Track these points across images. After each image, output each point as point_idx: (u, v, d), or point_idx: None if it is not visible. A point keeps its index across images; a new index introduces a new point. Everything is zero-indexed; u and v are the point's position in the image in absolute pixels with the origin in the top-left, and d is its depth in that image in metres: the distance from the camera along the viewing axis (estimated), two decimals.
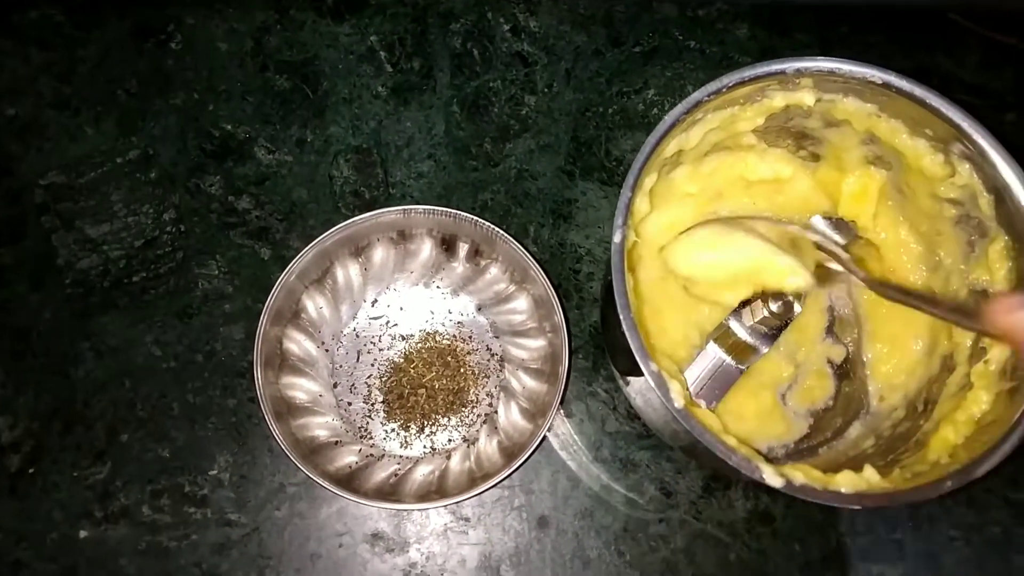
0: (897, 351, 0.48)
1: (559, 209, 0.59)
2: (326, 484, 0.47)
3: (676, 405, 0.35)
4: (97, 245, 0.57)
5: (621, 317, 0.36)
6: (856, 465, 0.37)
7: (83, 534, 0.51)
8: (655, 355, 0.37)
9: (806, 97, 0.44)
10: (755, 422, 0.46)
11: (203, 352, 0.55)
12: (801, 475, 0.35)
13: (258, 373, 0.49)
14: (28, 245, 0.56)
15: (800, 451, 0.47)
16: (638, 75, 0.62)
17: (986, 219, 0.43)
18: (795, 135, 0.49)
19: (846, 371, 0.50)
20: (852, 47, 0.63)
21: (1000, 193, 0.42)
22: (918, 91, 0.42)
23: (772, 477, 0.35)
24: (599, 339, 0.56)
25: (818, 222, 0.50)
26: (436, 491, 0.50)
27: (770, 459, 0.43)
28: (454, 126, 0.61)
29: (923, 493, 0.35)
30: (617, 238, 0.38)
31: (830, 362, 0.50)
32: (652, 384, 0.35)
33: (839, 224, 0.50)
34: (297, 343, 0.53)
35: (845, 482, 0.36)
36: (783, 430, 0.47)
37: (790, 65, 0.42)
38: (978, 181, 0.43)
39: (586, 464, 0.54)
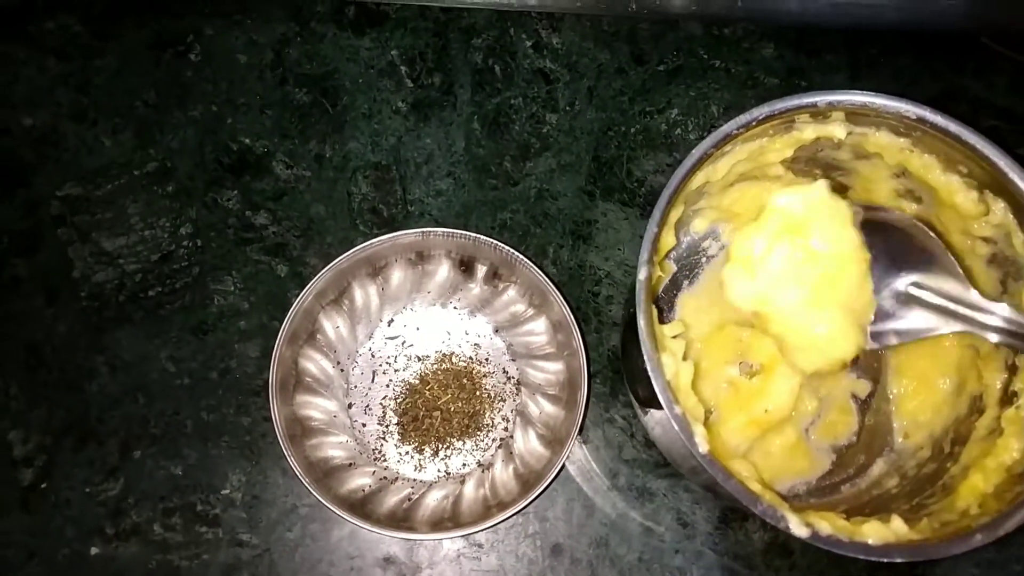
0: (923, 388, 0.47)
1: (579, 230, 0.58)
2: (339, 511, 0.47)
3: (701, 451, 0.34)
4: (113, 258, 0.56)
5: (646, 358, 0.35)
6: (880, 507, 0.37)
7: (94, 551, 0.51)
8: (678, 395, 0.36)
9: (837, 130, 0.43)
10: (780, 459, 0.46)
11: (218, 369, 0.54)
12: (827, 525, 0.34)
13: (274, 398, 0.48)
14: (44, 257, 0.56)
15: (822, 488, 0.46)
16: (661, 94, 0.62)
17: (1020, 259, 0.42)
18: (823, 165, 0.48)
19: (870, 407, 0.49)
20: (881, 69, 0.62)
21: None
22: (953, 127, 0.41)
23: (798, 527, 0.34)
24: (618, 364, 0.55)
25: None
26: (449, 518, 0.50)
27: (792, 498, 0.43)
28: (474, 143, 0.60)
29: (951, 547, 0.34)
30: (642, 275, 0.37)
31: (854, 397, 0.49)
32: (676, 427, 0.35)
33: None
34: (313, 362, 0.52)
35: (872, 532, 0.35)
36: (806, 466, 0.46)
37: (822, 98, 0.41)
38: (1013, 220, 0.42)
39: (602, 492, 0.53)
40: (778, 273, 0.39)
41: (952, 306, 0.41)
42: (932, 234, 0.43)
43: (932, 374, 0.47)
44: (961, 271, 0.41)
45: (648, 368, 0.36)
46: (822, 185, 0.40)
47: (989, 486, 0.38)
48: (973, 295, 0.41)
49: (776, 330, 0.39)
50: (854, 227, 0.40)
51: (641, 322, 0.37)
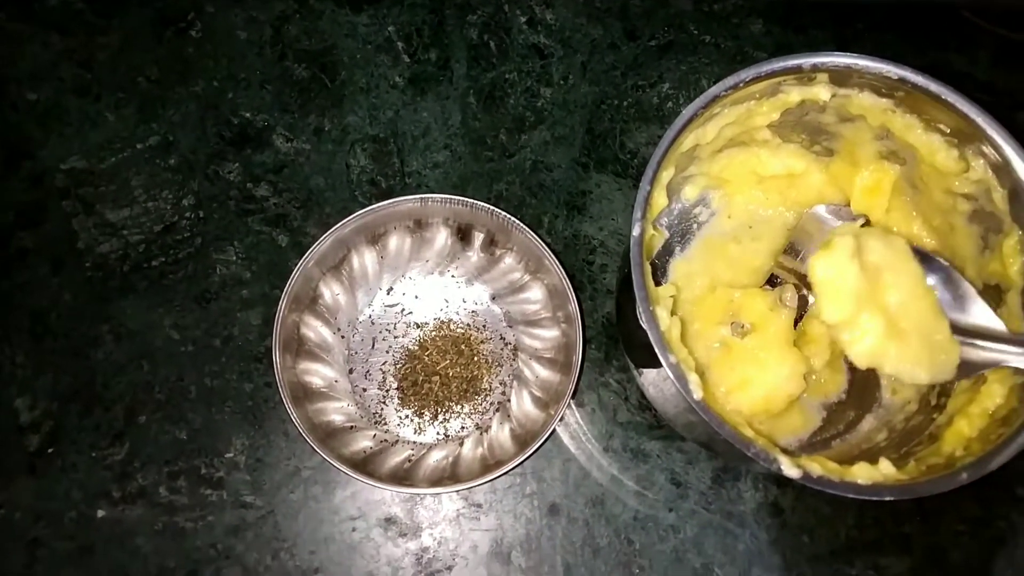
0: None
1: (573, 201, 0.60)
2: (342, 467, 0.48)
3: (695, 397, 0.36)
4: (117, 230, 0.57)
5: (640, 309, 0.37)
6: (870, 458, 0.38)
7: (101, 514, 0.52)
8: (673, 346, 0.38)
9: (822, 92, 0.45)
10: (774, 416, 0.47)
11: (221, 337, 0.55)
12: (818, 466, 0.36)
13: (277, 358, 0.49)
14: (49, 229, 0.57)
15: (813, 444, 0.47)
16: (653, 69, 0.63)
17: (1000, 214, 0.43)
18: (810, 129, 0.50)
19: None
20: (866, 44, 0.64)
21: (1015, 188, 0.42)
22: (933, 86, 0.43)
23: (789, 468, 0.35)
24: (612, 330, 0.57)
25: (821, 210, 0.51)
26: (449, 477, 0.51)
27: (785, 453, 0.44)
28: (470, 117, 0.61)
29: (939, 485, 0.35)
30: (636, 231, 0.38)
31: (845, 356, 0.50)
32: (671, 376, 0.36)
33: (841, 211, 0.50)
34: (314, 329, 0.54)
35: (861, 474, 0.36)
36: (799, 423, 0.48)
37: (807, 60, 0.43)
38: (992, 176, 0.43)
39: (597, 454, 0.54)
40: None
41: (990, 344, 0.41)
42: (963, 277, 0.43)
43: None
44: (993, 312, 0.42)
45: (643, 320, 0.37)
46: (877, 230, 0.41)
47: (973, 431, 0.40)
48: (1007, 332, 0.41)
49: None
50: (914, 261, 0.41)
51: (635, 277, 0.38)
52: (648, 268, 0.38)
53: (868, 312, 0.39)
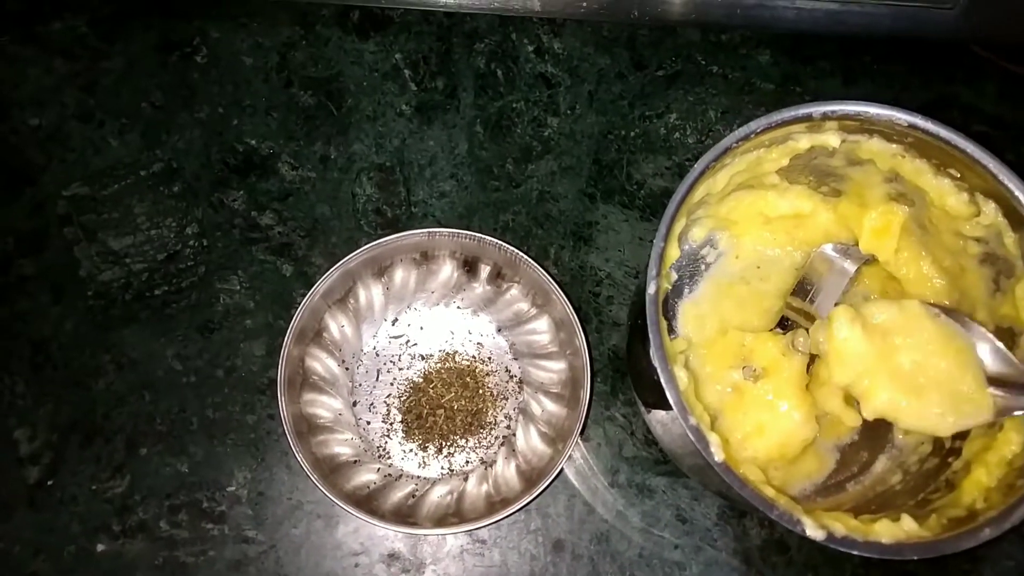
0: None
1: (580, 231, 0.59)
2: (345, 505, 0.47)
3: (717, 459, 0.35)
4: (119, 258, 0.57)
5: (659, 369, 0.36)
6: (885, 503, 0.38)
7: (100, 548, 0.51)
8: (691, 405, 0.37)
9: (831, 139, 0.45)
10: (790, 463, 0.47)
11: (223, 367, 0.55)
12: (841, 526, 0.35)
13: (281, 394, 0.49)
14: (50, 256, 0.57)
15: (828, 488, 0.47)
16: (660, 99, 0.63)
17: (1012, 258, 0.43)
18: (817, 172, 0.49)
19: None
20: (874, 76, 0.64)
21: None
22: (943, 132, 0.42)
23: (814, 530, 0.35)
24: (618, 363, 0.56)
25: (828, 249, 0.51)
26: (453, 513, 0.50)
27: (802, 499, 0.44)
28: (477, 146, 0.61)
29: (962, 542, 0.35)
30: (651, 289, 0.38)
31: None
32: (692, 438, 0.36)
33: (849, 251, 0.50)
34: (319, 361, 0.53)
35: (884, 532, 0.36)
36: (814, 467, 0.48)
37: (817, 109, 0.43)
38: (1004, 221, 0.43)
39: (603, 489, 0.54)
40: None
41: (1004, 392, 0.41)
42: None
43: None
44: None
45: (663, 381, 0.37)
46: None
47: (992, 480, 0.40)
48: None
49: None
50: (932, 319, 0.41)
51: (653, 336, 0.37)
52: (664, 325, 0.38)
53: (877, 373, 0.39)
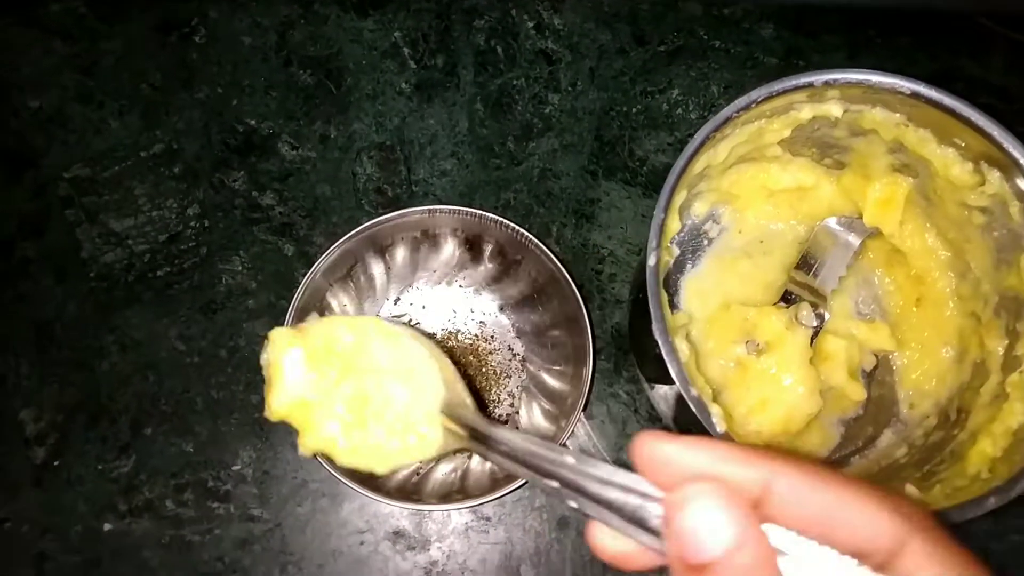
0: (926, 357, 0.48)
1: (582, 209, 0.59)
2: (349, 482, 0.47)
3: (719, 430, 0.35)
4: (121, 239, 0.57)
5: (660, 341, 0.36)
6: (891, 476, 0.37)
7: (107, 527, 0.52)
8: (692, 377, 0.37)
9: (833, 108, 0.44)
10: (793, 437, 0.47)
11: (226, 347, 0.55)
12: None
13: None
14: (52, 238, 0.57)
15: (833, 462, 0.47)
16: (662, 74, 0.62)
17: (1017, 227, 0.43)
18: (820, 144, 0.49)
19: (874, 378, 0.50)
20: (879, 50, 0.63)
21: None
22: (947, 101, 0.42)
23: None
24: (621, 341, 0.56)
25: (832, 223, 0.50)
26: (458, 491, 0.51)
27: None
28: (477, 124, 0.60)
29: (967, 511, 0.35)
30: (652, 261, 0.38)
31: (861, 369, 0.50)
32: (693, 409, 0.35)
33: (853, 224, 0.50)
34: None
35: None
36: (818, 441, 0.47)
37: (818, 77, 0.42)
38: (1008, 190, 0.43)
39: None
40: None
41: None
42: None
43: (934, 343, 0.47)
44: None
45: (663, 353, 0.37)
46: None
47: (998, 450, 0.39)
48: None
49: None
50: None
51: (653, 308, 0.37)
52: (665, 297, 0.38)
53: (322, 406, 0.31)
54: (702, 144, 0.40)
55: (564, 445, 0.52)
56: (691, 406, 0.36)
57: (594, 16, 0.63)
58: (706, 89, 0.62)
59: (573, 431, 0.54)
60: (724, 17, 0.63)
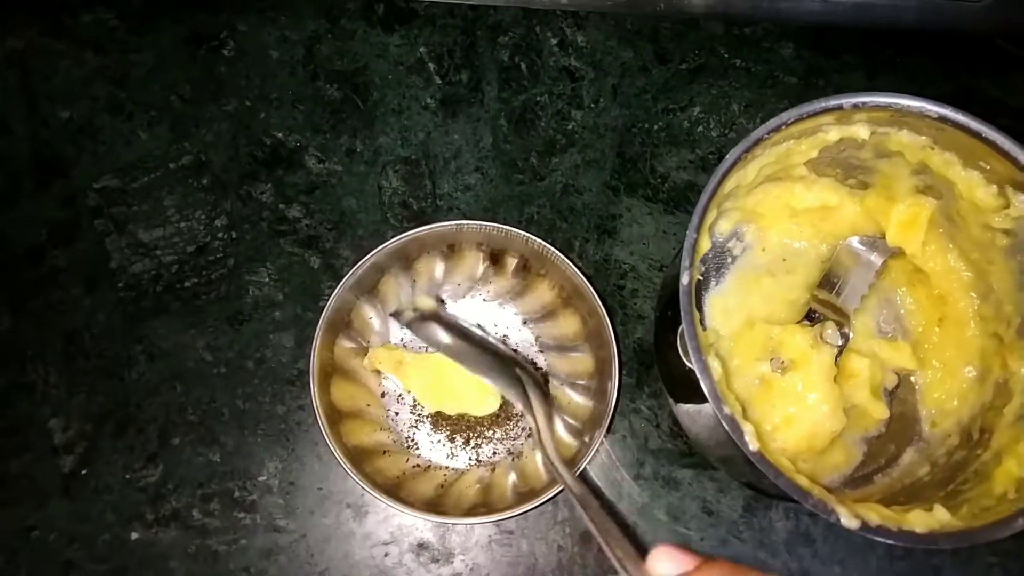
0: (948, 377, 0.48)
1: (604, 224, 0.60)
2: (377, 494, 0.48)
3: (752, 449, 0.36)
4: (150, 250, 0.57)
5: (694, 359, 0.37)
6: (913, 495, 0.38)
7: (134, 536, 0.52)
8: (724, 395, 0.38)
9: (861, 131, 0.45)
10: (818, 454, 0.47)
11: (253, 359, 0.56)
12: (875, 516, 0.36)
13: (313, 383, 0.49)
14: (82, 248, 0.57)
15: (855, 480, 0.47)
16: (684, 92, 0.63)
17: None
18: (845, 165, 0.50)
19: (896, 396, 0.50)
20: (898, 70, 0.64)
21: None
22: (973, 124, 0.43)
23: (849, 520, 0.35)
24: (643, 356, 0.57)
25: (854, 242, 0.51)
26: (482, 504, 0.51)
27: (830, 491, 0.44)
28: (501, 139, 0.61)
29: (994, 532, 0.35)
30: (685, 279, 0.38)
31: (883, 388, 0.50)
32: (726, 428, 0.36)
33: (876, 243, 0.51)
34: (347, 353, 0.54)
35: (918, 522, 0.36)
36: (842, 459, 0.48)
37: (847, 100, 0.43)
38: None
39: (628, 481, 0.54)
40: None
41: None
42: None
43: (956, 362, 0.48)
44: None
45: (697, 371, 0.37)
46: None
47: (1023, 471, 0.40)
48: None
49: None
50: None
51: (687, 326, 0.38)
52: (697, 316, 0.38)
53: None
54: (733, 165, 0.41)
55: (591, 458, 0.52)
56: (724, 425, 0.36)
57: (617, 34, 0.64)
58: (727, 107, 0.63)
59: (596, 450, 0.55)
60: (744, 36, 0.64)
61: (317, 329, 0.50)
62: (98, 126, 0.59)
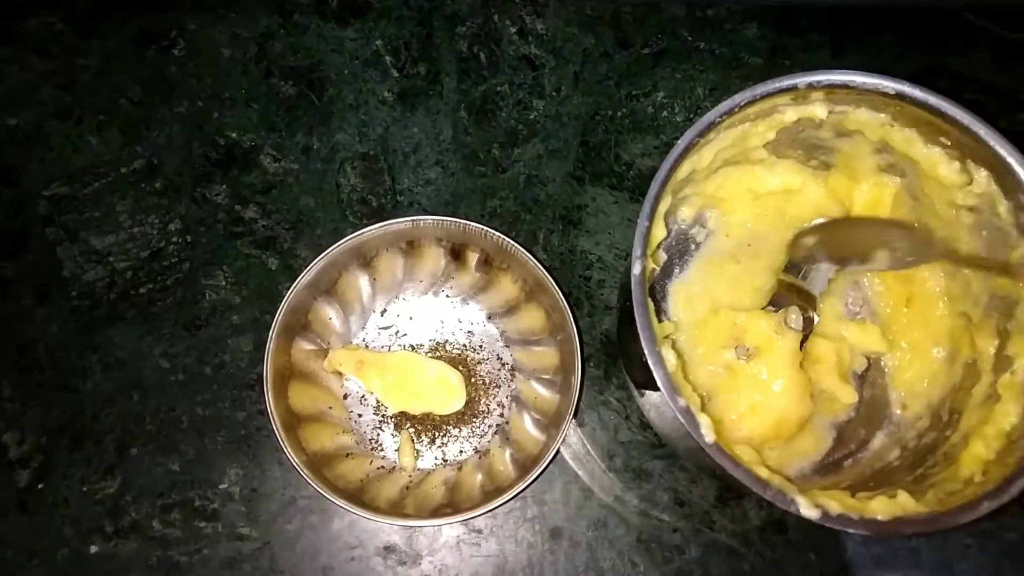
0: (917, 358, 0.47)
1: (569, 215, 0.58)
2: (338, 500, 0.47)
3: (708, 441, 0.35)
4: (103, 257, 0.56)
5: (646, 351, 0.35)
6: (884, 480, 0.37)
7: (94, 549, 0.51)
8: (680, 387, 0.37)
9: (818, 110, 0.44)
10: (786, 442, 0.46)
11: (212, 364, 0.54)
12: (837, 504, 0.35)
13: (268, 389, 0.48)
14: (32, 258, 0.56)
15: (825, 466, 0.46)
16: (647, 77, 0.62)
17: (1006, 226, 0.42)
18: (805, 145, 0.48)
19: (866, 380, 0.49)
20: (864, 47, 0.63)
21: (1020, 199, 0.41)
22: (932, 100, 0.42)
23: (808, 509, 0.34)
24: (610, 347, 0.56)
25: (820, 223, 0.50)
26: (448, 504, 0.50)
27: (799, 479, 0.43)
28: (462, 132, 0.60)
29: (959, 516, 0.35)
30: (636, 270, 0.37)
31: (852, 372, 0.49)
32: (681, 420, 0.35)
33: None
34: (306, 355, 0.52)
35: (880, 508, 0.35)
36: (811, 446, 0.47)
37: (801, 79, 0.42)
38: (996, 189, 0.42)
39: (599, 474, 0.53)
40: None
41: None
42: None
43: (925, 343, 0.47)
44: None
45: (650, 363, 0.36)
46: None
47: (991, 453, 0.39)
48: None
49: None
50: None
51: (639, 317, 0.37)
52: (651, 305, 0.37)
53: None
54: (685, 151, 0.40)
55: (558, 452, 0.51)
56: (679, 417, 0.35)
57: (577, 20, 0.62)
58: (691, 91, 0.61)
59: (565, 439, 0.54)
60: (707, 18, 0.63)
61: (271, 332, 0.49)
62: (46, 132, 0.58)
